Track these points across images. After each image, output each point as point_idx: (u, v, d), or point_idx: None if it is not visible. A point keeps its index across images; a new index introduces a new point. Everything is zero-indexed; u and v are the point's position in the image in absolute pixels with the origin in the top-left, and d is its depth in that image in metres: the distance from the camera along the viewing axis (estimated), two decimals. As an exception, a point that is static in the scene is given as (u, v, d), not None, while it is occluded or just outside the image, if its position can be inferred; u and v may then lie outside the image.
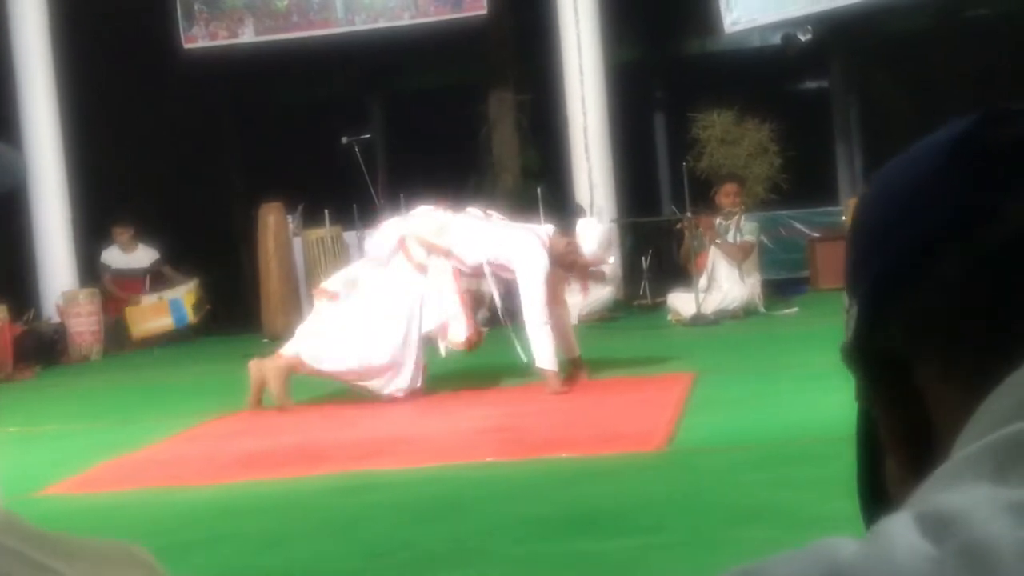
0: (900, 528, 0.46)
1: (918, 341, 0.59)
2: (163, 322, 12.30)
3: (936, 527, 0.46)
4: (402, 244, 6.69)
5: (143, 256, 12.86)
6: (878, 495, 0.66)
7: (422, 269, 6.65)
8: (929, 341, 0.58)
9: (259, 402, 6.71)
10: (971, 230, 0.57)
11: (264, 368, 6.71)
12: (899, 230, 0.60)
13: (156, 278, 12.77)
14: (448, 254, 6.66)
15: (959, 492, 0.48)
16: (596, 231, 6.81)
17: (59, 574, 0.62)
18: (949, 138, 0.60)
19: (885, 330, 0.60)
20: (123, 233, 12.66)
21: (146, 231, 12.88)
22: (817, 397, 5.62)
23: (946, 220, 0.58)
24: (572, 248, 6.60)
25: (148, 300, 12.47)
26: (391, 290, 6.67)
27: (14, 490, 5.03)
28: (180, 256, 13.13)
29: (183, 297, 12.42)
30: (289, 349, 6.83)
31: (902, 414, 0.61)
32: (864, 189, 0.64)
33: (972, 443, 0.54)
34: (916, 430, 0.60)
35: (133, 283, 12.62)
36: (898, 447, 0.62)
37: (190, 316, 12.36)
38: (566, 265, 6.69)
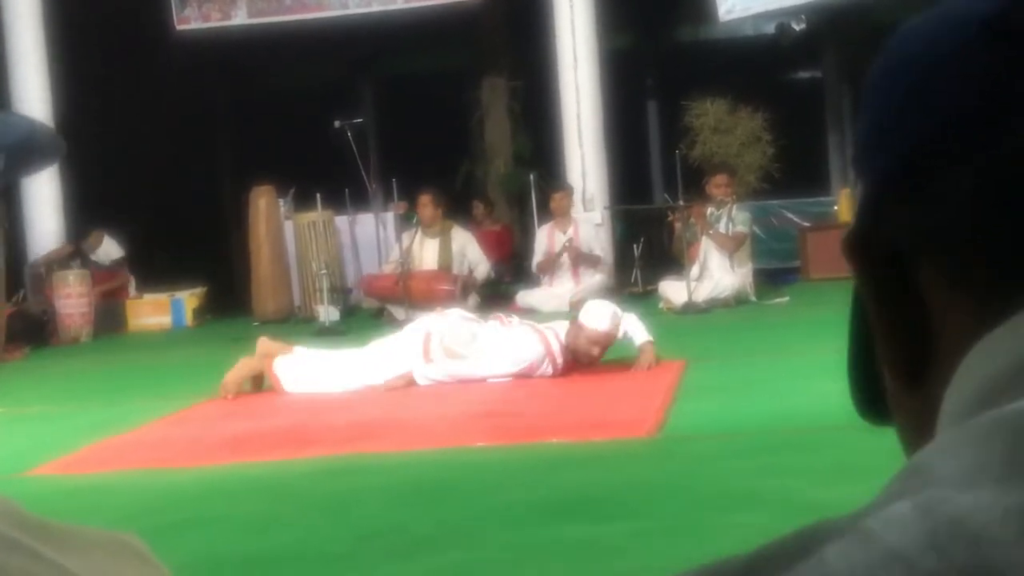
0: (899, 529, 0.41)
1: (925, 244, 0.52)
2: (162, 320, 12.32)
3: (940, 535, 0.40)
4: (426, 340, 6.64)
5: (103, 253, 12.79)
6: (868, 370, 0.58)
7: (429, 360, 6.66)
8: (937, 246, 0.52)
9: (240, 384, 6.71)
10: (993, 128, 0.49)
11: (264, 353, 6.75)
12: (912, 116, 0.52)
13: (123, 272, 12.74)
14: (463, 361, 6.63)
15: (968, 491, 0.42)
16: (603, 311, 6.71)
17: (53, 563, 0.62)
18: (977, 15, 0.51)
19: (889, 225, 0.53)
20: (94, 238, 12.63)
21: (136, 214, 12.83)
22: (807, 385, 5.63)
23: (965, 113, 0.50)
24: (585, 336, 6.51)
25: (152, 295, 12.51)
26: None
27: (2, 470, 5.02)
28: (170, 238, 13.09)
29: (186, 299, 12.42)
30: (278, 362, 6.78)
31: (899, 318, 0.54)
32: (882, 52, 0.55)
33: (969, 393, 0.49)
34: (913, 336, 0.54)
35: (99, 275, 12.51)
36: (892, 353, 0.55)
37: (188, 319, 12.36)
38: (587, 356, 6.57)
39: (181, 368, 8.67)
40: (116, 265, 12.82)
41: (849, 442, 4.38)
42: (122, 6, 13.36)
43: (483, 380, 6.52)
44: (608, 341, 6.53)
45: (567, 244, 11.20)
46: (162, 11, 13.44)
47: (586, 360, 6.53)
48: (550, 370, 6.54)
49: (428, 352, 6.62)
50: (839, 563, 0.41)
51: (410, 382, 6.56)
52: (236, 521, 3.95)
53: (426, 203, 11.24)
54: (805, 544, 0.42)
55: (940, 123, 0.51)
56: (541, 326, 6.80)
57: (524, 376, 6.50)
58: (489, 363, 6.54)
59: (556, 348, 6.55)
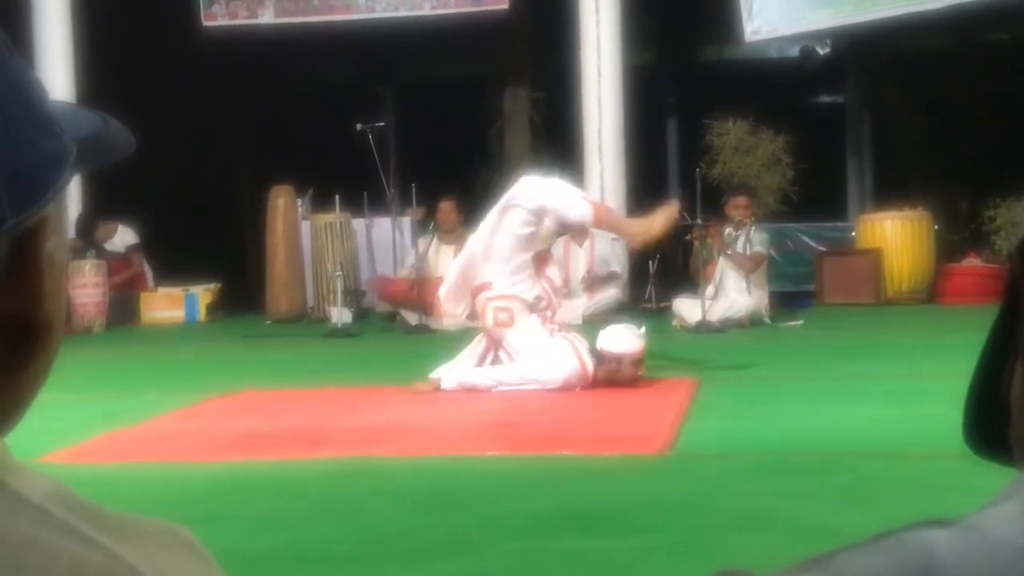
0: (1006, 524, 0.44)
1: None
2: (174, 314, 12.37)
3: None
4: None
5: (119, 241, 12.80)
6: (989, 400, 0.59)
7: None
8: None
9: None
10: None
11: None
12: None
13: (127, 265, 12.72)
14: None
15: None
16: (628, 332, 6.66)
17: (105, 548, 0.62)
18: None
19: None
20: (103, 230, 12.62)
21: (154, 208, 12.86)
22: (819, 409, 5.63)
23: None
24: (629, 360, 6.50)
25: (166, 289, 12.56)
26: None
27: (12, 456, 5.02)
28: (187, 233, 13.11)
29: (199, 295, 12.46)
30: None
31: None
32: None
33: None
34: None
35: (115, 264, 12.50)
36: None
37: (201, 314, 12.40)
38: (630, 379, 6.51)
39: (193, 363, 8.69)
40: (132, 251, 12.84)
41: (860, 468, 4.37)
42: (149, 0, 13.41)
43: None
44: (643, 354, 6.56)
45: (585, 277, 11.27)
46: (190, 7, 13.50)
47: (628, 382, 6.53)
48: (577, 388, 6.54)
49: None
50: (947, 548, 0.42)
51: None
52: (243, 518, 3.96)
53: (449, 209, 11.27)
54: (910, 526, 0.44)
55: None
56: (576, 341, 6.73)
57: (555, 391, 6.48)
58: (523, 376, 6.55)
59: (590, 371, 6.55)
